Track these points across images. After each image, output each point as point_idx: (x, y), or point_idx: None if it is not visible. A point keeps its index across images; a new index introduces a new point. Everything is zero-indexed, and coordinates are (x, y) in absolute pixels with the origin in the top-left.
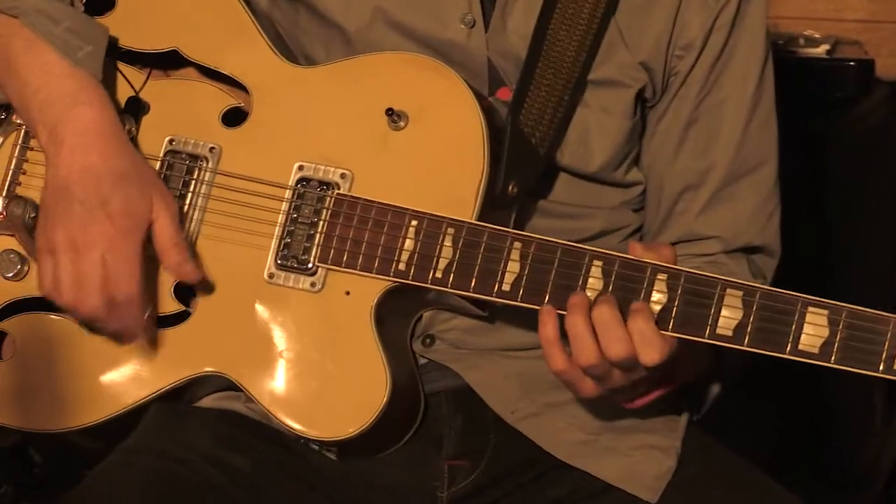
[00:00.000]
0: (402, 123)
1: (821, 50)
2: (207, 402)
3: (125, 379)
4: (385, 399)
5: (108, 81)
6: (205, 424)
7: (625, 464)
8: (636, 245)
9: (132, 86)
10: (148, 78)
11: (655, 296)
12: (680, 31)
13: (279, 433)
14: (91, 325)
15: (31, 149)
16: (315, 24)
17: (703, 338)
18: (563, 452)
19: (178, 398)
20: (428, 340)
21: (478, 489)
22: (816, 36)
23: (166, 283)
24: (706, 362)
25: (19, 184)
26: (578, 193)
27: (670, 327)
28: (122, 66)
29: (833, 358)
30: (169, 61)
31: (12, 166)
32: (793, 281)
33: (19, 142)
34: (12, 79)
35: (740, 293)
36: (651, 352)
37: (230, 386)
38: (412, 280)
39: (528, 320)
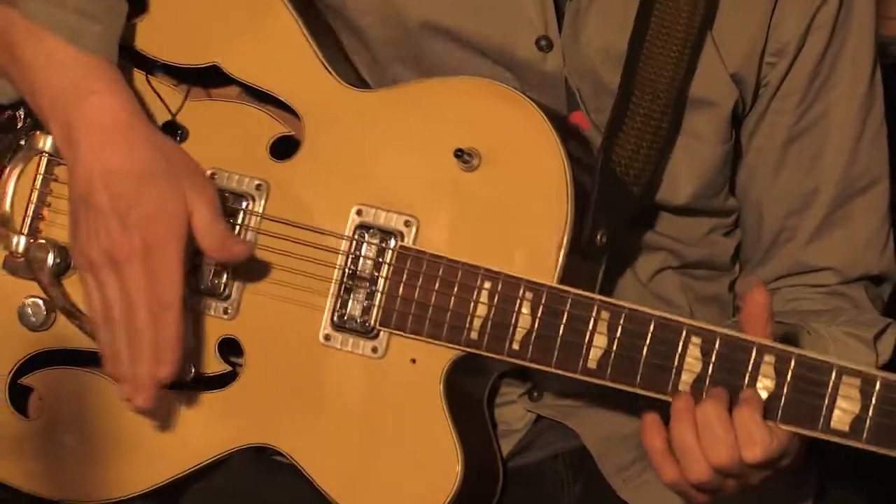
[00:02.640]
0: (474, 163)
1: None
2: None
3: (164, 448)
4: (458, 481)
5: (139, 102)
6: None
7: None
8: (759, 290)
9: (167, 107)
10: (186, 98)
11: (762, 381)
12: (773, 33)
13: None
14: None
15: (56, 179)
16: (362, 36)
17: (816, 431)
18: None
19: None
20: (535, 394)
21: None
22: None
23: (210, 340)
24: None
25: (42, 218)
26: (667, 224)
27: (778, 417)
28: (155, 83)
29: None
30: (209, 78)
31: (34, 199)
32: None
33: (42, 171)
34: (20, 74)
35: (858, 381)
36: (753, 448)
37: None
38: (486, 351)
39: None
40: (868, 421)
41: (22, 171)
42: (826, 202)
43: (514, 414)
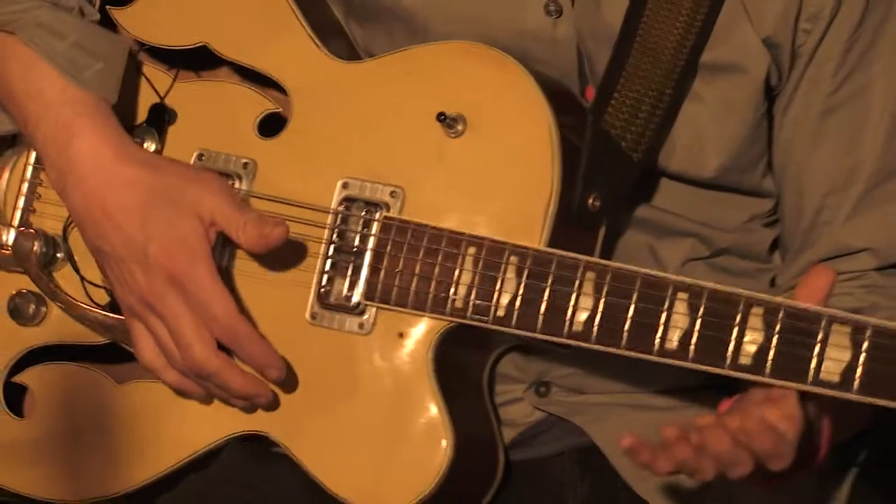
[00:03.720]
0: (459, 128)
1: None
2: None
3: (157, 441)
4: (448, 461)
5: (129, 86)
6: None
7: None
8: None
9: (156, 90)
10: (175, 80)
11: (749, 335)
12: None
13: None
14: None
15: (45, 170)
16: (372, 11)
17: (805, 384)
18: None
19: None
20: (543, 389)
21: None
22: None
23: None
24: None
25: (34, 211)
26: (698, 205)
27: (767, 372)
28: (145, 67)
29: None
30: (199, 59)
31: (24, 191)
32: None
33: (31, 162)
34: (14, 110)
35: (848, 329)
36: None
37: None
38: (470, 319)
39: None
40: (859, 369)
41: (14, 164)
42: (864, 179)
43: (519, 412)
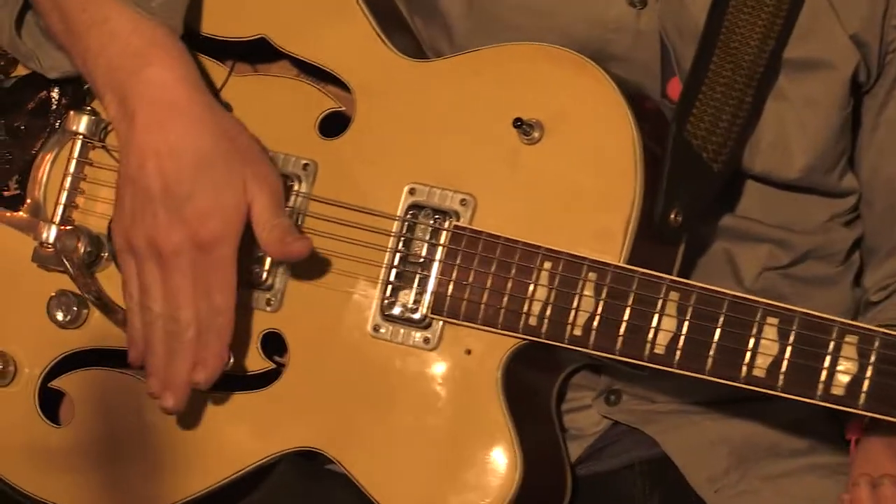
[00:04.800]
0: (535, 135)
1: None
2: None
3: (201, 455)
4: (515, 486)
5: None
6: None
7: None
8: None
9: (211, 83)
10: (230, 73)
11: (843, 364)
12: None
13: None
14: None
15: (91, 163)
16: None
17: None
18: None
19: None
20: (612, 397)
21: None
22: None
23: (252, 335)
24: None
25: (76, 206)
26: (776, 208)
27: (861, 403)
28: (198, 58)
29: None
30: (256, 52)
31: (67, 185)
32: None
33: (75, 155)
34: (73, 41)
35: None
36: None
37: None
38: (545, 338)
39: None
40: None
41: (56, 157)
42: None
43: (587, 420)
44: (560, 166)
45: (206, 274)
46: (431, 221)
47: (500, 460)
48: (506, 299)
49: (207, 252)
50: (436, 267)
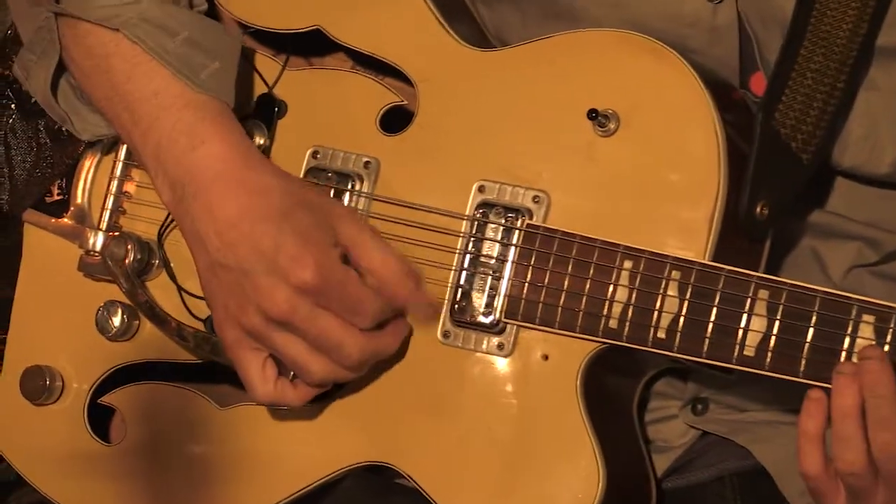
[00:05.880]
0: (611, 126)
1: None
2: None
3: (265, 471)
4: (598, 499)
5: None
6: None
7: None
8: None
9: (263, 79)
10: (284, 67)
11: None
12: None
13: None
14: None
15: (137, 165)
16: None
17: None
18: None
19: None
20: (699, 406)
21: None
22: None
23: None
24: None
25: (123, 212)
26: (864, 205)
27: None
28: (249, 52)
29: None
30: (311, 45)
31: (113, 189)
32: None
33: (121, 157)
34: (119, 112)
35: None
36: None
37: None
38: (627, 342)
39: None
40: None
41: (100, 160)
42: None
43: (673, 430)
44: (638, 159)
45: (333, 301)
46: (503, 220)
47: (581, 473)
48: (584, 301)
49: (320, 288)
50: (508, 268)
